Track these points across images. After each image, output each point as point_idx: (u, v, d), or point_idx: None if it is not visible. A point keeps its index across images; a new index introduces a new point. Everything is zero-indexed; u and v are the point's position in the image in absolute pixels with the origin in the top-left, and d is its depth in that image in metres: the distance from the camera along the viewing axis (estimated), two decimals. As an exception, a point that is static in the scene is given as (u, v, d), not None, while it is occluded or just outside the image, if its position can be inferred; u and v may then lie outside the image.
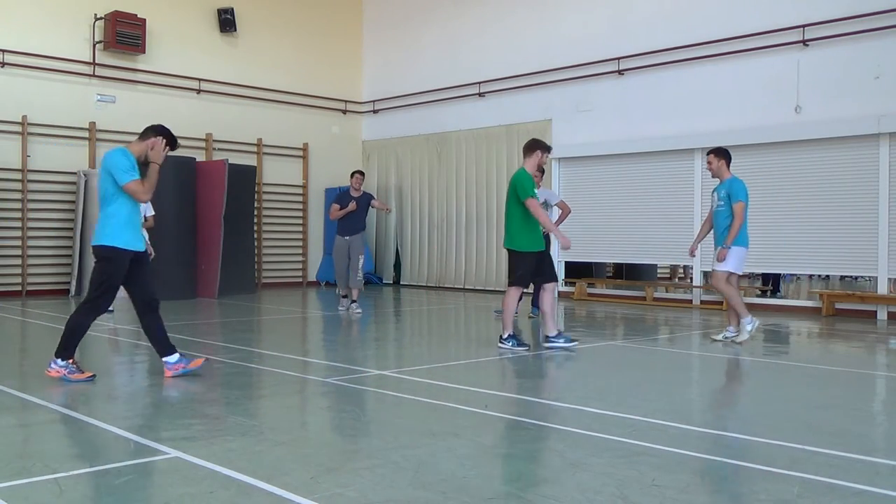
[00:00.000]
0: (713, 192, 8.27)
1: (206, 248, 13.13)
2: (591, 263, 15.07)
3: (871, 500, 3.32)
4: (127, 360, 7.42)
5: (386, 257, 17.09)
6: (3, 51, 12.97)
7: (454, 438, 4.19)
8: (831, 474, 3.60)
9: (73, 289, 13.21)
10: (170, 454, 3.85)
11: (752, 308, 11.90)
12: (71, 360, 5.73)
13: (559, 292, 14.17)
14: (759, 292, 13.57)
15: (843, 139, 10.87)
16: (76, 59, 13.70)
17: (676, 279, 17.35)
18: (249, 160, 15.41)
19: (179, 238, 12.81)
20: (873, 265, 10.74)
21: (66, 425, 4.53)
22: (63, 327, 5.82)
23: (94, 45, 13.84)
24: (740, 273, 8.20)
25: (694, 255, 8.75)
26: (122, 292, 5.98)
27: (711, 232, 8.23)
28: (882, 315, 10.64)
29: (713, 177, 8.33)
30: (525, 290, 10.38)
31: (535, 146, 7.70)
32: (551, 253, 10.71)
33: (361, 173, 11.18)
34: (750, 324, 7.98)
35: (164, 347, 5.93)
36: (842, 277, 16.33)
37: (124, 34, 13.79)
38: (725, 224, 7.96)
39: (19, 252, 13.15)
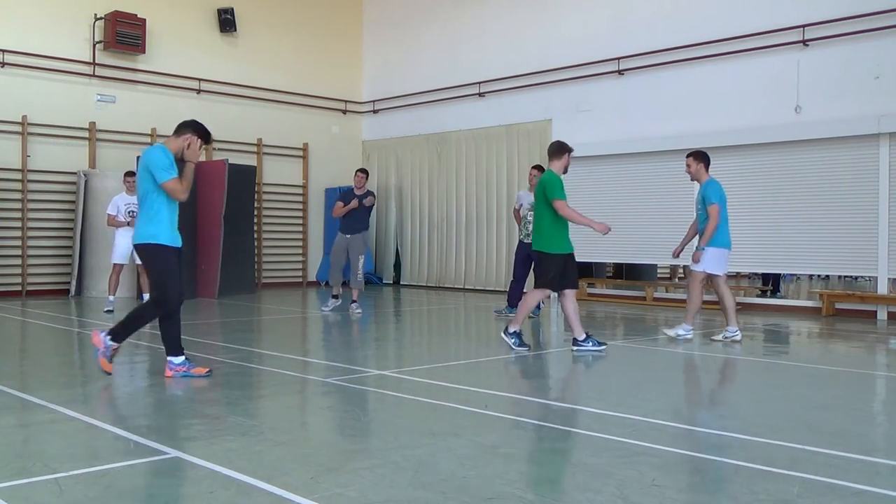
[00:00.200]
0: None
1: (206, 248, 13.14)
2: (591, 263, 15.05)
3: (871, 500, 3.32)
4: (127, 360, 7.41)
5: (386, 257, 17.10)
6: (3, 51, 12.97)
7: (454, 438, 4.19)
8: (831, 474, 3.60)
9: (73, 289, 13.21)
10: (170, 454, 3.85)
11: (752, 308, 11.98)
12: (115, 347, 5.83)
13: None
14: (759, 292, 13.57)
15: (843, 139, 10.87)
16: (76, 59, 13.70)
17: (676, 279, 17.35)
18: (249, 160, 15.41)
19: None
20: (873, 265, 10.73)
21: (66, 425, 4.52)
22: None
23: (94, 45, 13.84)
24: (721, 273, 8.29)
25: (677, 257, 8.82)
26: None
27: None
28: (882, 315, 10.65)
29: (692, 179, 8.53)
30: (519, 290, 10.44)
31: (564, 148, 7.70)
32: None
33: (364, 171, 11.08)
34: (685, 331, 8.27)
35: (174, 347, 5.94)
36: (840, 277, 16.33)
37: (124, 34, 13.79)
38: (703, 227, 8.20)
39: (19, 252, 13.15)
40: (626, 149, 12.98)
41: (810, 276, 17.55)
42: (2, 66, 12.99)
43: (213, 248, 13.08)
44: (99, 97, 13.97)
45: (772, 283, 14.21)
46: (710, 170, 8.49)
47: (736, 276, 17.06)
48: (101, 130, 13.92)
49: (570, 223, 7.48)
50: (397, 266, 16.96)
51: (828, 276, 16.47)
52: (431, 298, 13.78)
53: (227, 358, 6.90)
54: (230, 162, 13.46)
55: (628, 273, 15.80)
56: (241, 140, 15.53)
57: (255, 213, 15.14)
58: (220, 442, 4.22)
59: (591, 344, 7.43)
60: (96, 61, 13.87)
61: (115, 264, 10.90)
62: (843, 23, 10.87)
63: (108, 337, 5.78)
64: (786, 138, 11.33)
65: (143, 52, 14.18)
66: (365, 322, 10.00)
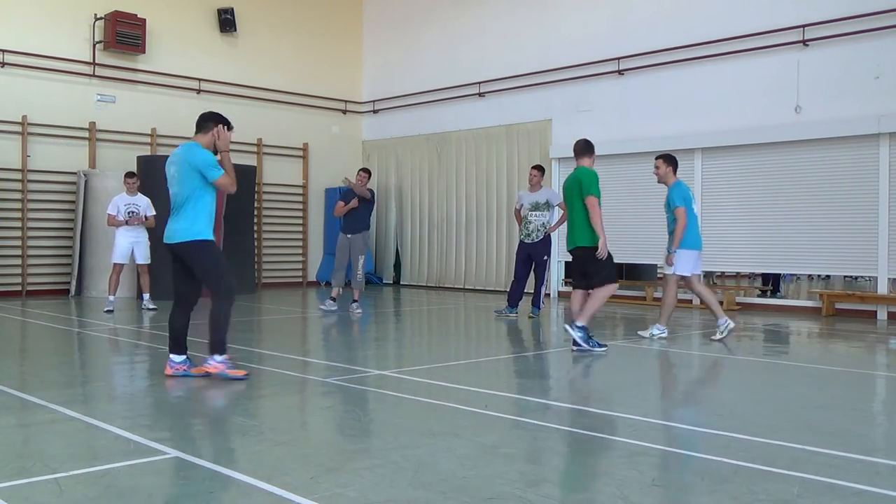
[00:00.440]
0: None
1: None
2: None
3: (871, 500, 3.31)
4: (127, 360, 7.42)
5: (386, 257, 17.10)
6: (3, 51, 12.97)
7: (454, 438, 4.19)
8: (831, 474, 3.60)
9: (73, 289, 13.21)
10: (170, 454, 3.85)
11: (752, 308, 11.98)
12: (227, 356, 5.88)
13: (559, 292, 14.18)
14: (759, 292, 13.56)
15: (843, 139, 10.88)
16: (76, 59, 13.71)
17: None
18: (249, 160, 15.41)
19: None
20: (873, 265, 10.74)
21: (66, 425, 4.52)
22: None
23: (94, 45, 13.84)
24: (697, 273, 8.42)
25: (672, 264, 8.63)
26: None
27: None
28: (882, 315, 10.65)
29: (659, 182, 8.63)
30: (522, 289, 10.45)
31: (592, 147, 7.70)
32: (551, 254, 10.78)
33: (366, 171, 11.01)
34: (659, 331, 8.36)
35: (179, 345, 5.94)
36: (844, 278, 16.32)
37: (124, 34, 13.79)
38: (670, 229, 8.36)
39: (19, 252, 13.15)
40: (625, 149, 12.98)
41: (809, 277, 17.54)
42: (2, 66, 12.99)
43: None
44: (99, 97, 13.98)
45: (772, 283, 14.21)
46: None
47: (736, 276, 17.07)
48: (101, 130, 13.92)
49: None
50: (397, 266, 16.96)
51: (828, 276, 16.46)
52: (431, 298, 13.78)
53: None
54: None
55: (628, 273, 15.78)
56: (241, 140, 15.51)
57: (255, 213, 15.15)
58: (220, 442, 4.22)
59: (581, 336, 7.41)
60: (96, 61, 13.87)
61: (115, 264, 10.91)
62: (843, 23, 10.87)
63: (216, 356, 5.81)
64: (786, 138, 11.33)
65: (143, 52, 14.18)
66: (365, 322, 10.00)
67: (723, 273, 15.96)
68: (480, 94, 15.26)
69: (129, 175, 11.13)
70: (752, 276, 16.60)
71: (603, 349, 7.38)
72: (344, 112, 17.29)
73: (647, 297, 12.90)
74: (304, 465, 3.74)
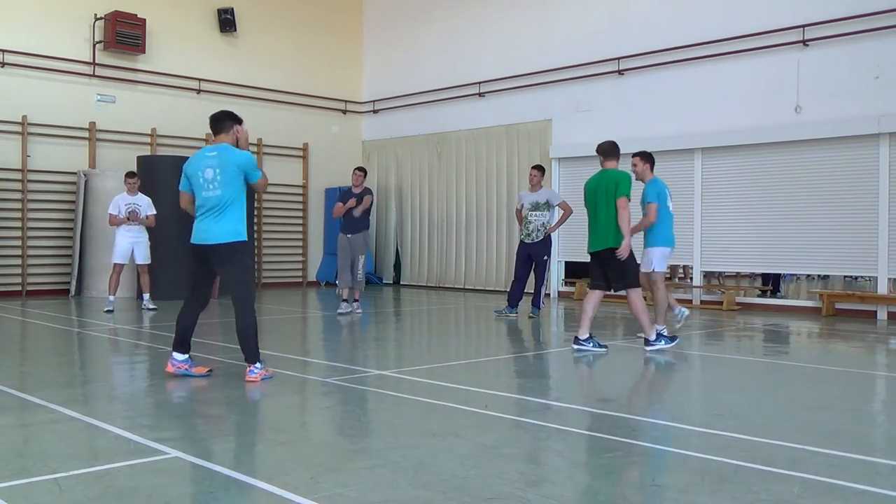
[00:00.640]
0: None
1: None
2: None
3: (871, 500, 3.32)
4: (127, 360, 7.42)
5: (386, 257, 17.09)
6: (3, 51, 12.97)
7: (454, 438, 4.19)
8: (831, 474, 3.60)
9: (73, 289, 13.21)
10: (170, 454, 3.85)
11: (752, 308, 11.98)
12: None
13: (559, 292, 14.18)
14: (759, 292, 13.56)
15: (843, 139, 10.87)
16: (76, 59, 13.71)
17: (676, 279, 17.34)
18: (249, 160, 15.38)
19: (179, 238, 12.74)
20: (873, 265, 10.74)
21: (66, 425, 4.52)
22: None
23: (94, 45, 13.84)
24: (661, 269, 8.43)
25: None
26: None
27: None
28: (882, 315, 10.64)
29: (636, 179, 8.58)
30: (520, 289, 10.45)
31: (619, 149, 7.69)
32: (551, 254, 10.78)
33: (362, 170, 10.97)
34: (677, 314, 8.64)
35: (184, 344, 5.96)
36: (844, 278, 16.32)
37: (124, 34, 13.79)
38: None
39: (19, 252, 13.15)
40: (625, 149, 12.80)
41: (808, 277, 17.53)
42: (2, 66, 12.99)
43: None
44: (99, 97, 13.98)
45: (772, 283, 14.21)
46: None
47: (736, 276, 17.06)
48: (101, 130, 13.93)
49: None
50: (397, 266, 16.96)
51: (826, 276, 16.46)
52: (431, 298, 13.78)
53: (227, 358, 6.90)
54: (230, 162, 13.44)
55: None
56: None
57: (255, 213, 15.14)
58: (220, 442, 4.22)
59: (590, 345, 7.42)
60: (96, 61, 13.87)
61: (115, 264, 10.90)
62: (843, 23, 10.87)
63: (257, 365, 5.79)
64: (786, 138, 11.33)
65: (143, 52, 14.18)
66: (365, 322, 10.00)
67: (722, 273, 15.95)
68: (480, 94, 15.27)
69: (129, 175, 11.12)
70: (754, 276, 16.57)
71: (604, 349, 7.39)
72: (344, 112, 17.29)
73: (648, 297, 12.87)
74: (304, 465, 3.74)
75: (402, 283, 16.75)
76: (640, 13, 13.04)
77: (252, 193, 11.46)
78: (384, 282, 16.96)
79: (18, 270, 13.16)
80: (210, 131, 6.16)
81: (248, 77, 15.65)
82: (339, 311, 10.64)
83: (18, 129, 13.13)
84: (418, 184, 16.49)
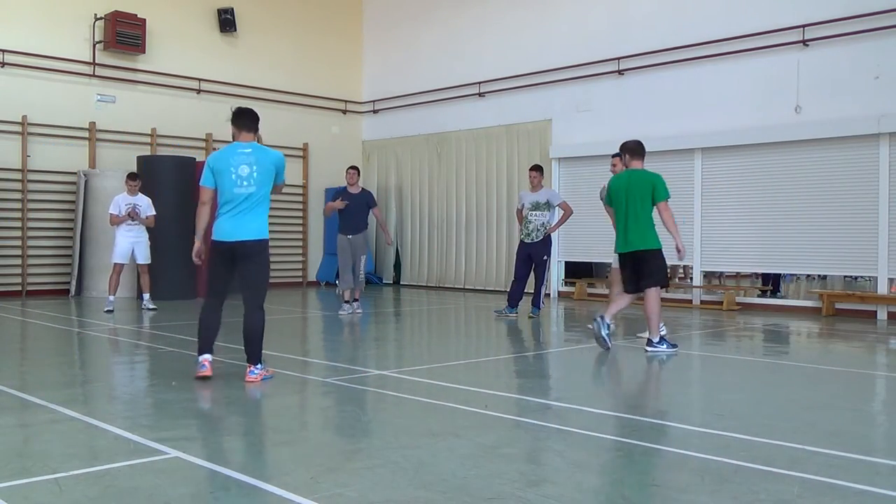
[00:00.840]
0: None
1: (206, 248, 13.11)
2: (591, 263, 15.07)
3: (871, 500, 3.32)
4: (127, 360, 7.42)
5: (386, 257, 17.09)
6: (3, 51, 12.97)
7: (454, 438, 4.19)
8: (831, 474, 3.60)
9: (73, 289, 13.21)
10: (170, 454, 3.85)
11: (752, 308, 11.98)
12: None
13: (559, 292, 14.18)
14: (759, 292, 13.56)
15: (843, 139, 10.87)
16: (76, 59, 13.71)
17: (676, 279, 17.34)
18: (249, 160, 15.38)
19: (179, 238, 12.77)
20: (873, 265, 10.73)
21: (66, 425, 4.52)
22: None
23: (94, 45, 13.84)
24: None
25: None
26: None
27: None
28: (882, 315, 10.64)
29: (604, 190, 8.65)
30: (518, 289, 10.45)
31: (644, 149, 7.70)
32: (551, 254, 10.77)
33: (356, 168, 10.93)
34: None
35: (211, 344, 5.91)
36: (845, 278, 16.32)
37: (124, 34, 13.79)
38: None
39: (19, 252, 13.15)
40: (625, 149, 12.94)
41: (808, 277, 17.53)
42: (2, 66, 12.99)
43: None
44: (99, 97, 13.98)
45: (772, 283, 14.20)
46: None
47: (736, 276, 17.06)
48: (101, 130, 13.92)
49: None
50: (397, 266, 16.96)
51: (825, 276, 16.45)
52: (431, 298, 13.78)
53: (227, 358, 6.90)
54: (230, 162, 13.44)
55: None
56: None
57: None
58: (219, 442, 4.22)
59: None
60: (96, 61, 13.87)
61: (115, 264, 10.90)
62: (843, 23, 10.87)
63: (258, 366, 5.78)
64: (786, 138, 11.33)
65: (143, 52, 14.18)
66: (365, 322, 10.00)
67: (723, 273, 15.95)
68: (480, 94, 15.27)
69: (130, 177, 11.11)
70: (755, 276, 16.56)
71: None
72: (344, 112, 17.29)
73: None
74: (304, 465, 3.74)
75: (402, 283, 16.75)
76: (640, 13, 13.04)
77: None
78: (384, 282, 16.96)
79: (18, 270, 13.16)
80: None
81: (248, 77, 15.65)
82: (341, 311, 10.65)
83: (18, 129, 13.13)
84: (418, 184, 16.49)
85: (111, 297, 10.80)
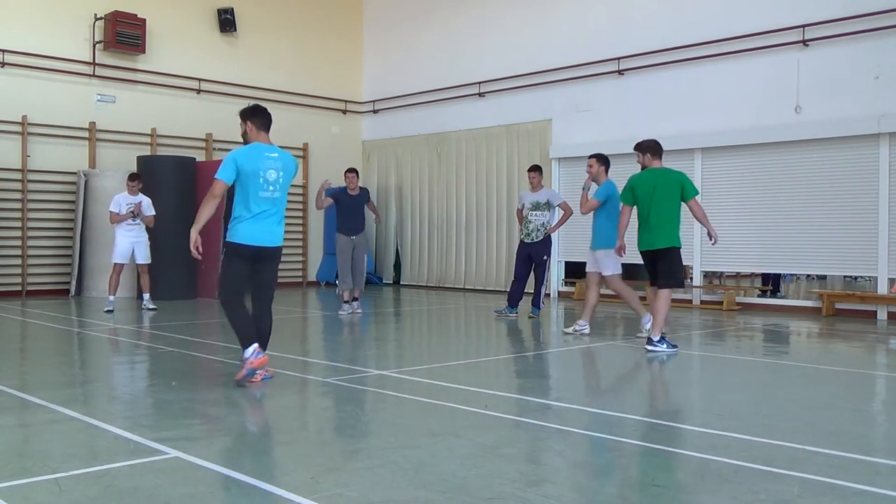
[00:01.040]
0: None
1: (206, 248, 13.04)
2: (591, 263, 15.03)
3: (871, 500, 3.32)
4: (127, 360, 7.42)
5: (386, 257, 17.09)
6: (3, 51, 12.97)
7: (454, 438, 4.19)
8: (831, 474, 3.60)
9: (73, 289, 13.21)
10: (170, 454, 3.85)
11: (752, 308, 11.98)
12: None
13: (559, 292, 14.18)
14: (759, 292, 13.56)
15: (843, 139, 10.87)
16: (76, 59, 13.70)
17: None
18: (249, 160, 15.38)
19: (179, 238, 12.74)
20: (873, 265, 10.73)
21: (66, 425, 4.52)
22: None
23: (94, 45, 13.84)
24: (618, 272, 8.65)
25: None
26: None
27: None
28: (882, 315, 10.64)
29: (591, 180, 8.74)
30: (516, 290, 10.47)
31: (661, 146, 7.80)
32: (551, 254, 10.77)
33: (354, 171, 10.90)
34: (581, 326, 8.60)
35: (254, 333, 5.86)
36: (845, 278, 16.32)
37: (124, 34, 13.79)
38: (594, 226, 8.60)
39: (19, 252, 13.15)
40: (626, 149, 12.86)
41: (807, 277, 17.53)
42: (2, 66, 12.99)
43: (213, 248, 13.05)
44: (99, 97, 13.98)
45: (772, 283, 14.20)
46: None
47: (736, 276, 17.06)
48: (101, 130, 13.92)
49: None
50: (397, 266, 16.95)
51: (825, 276, 16.45)
52: (431, 298, 13.78)
53: (227, 358, 6.90)
54: (230, 162, 13.43)
55: (628, 273, 15.75)
56: (242, 140, 15.50)
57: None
58: (220, 442, 4.22)
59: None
60: (96, 61, 13.87)
61: (115, 264, 10.90)
62: (843, 23, 10.87)
63: (253, 351, 5.69)
64: (786, 138, 11.33)
65: (143, 52, 14.18)
66: (365, 322, 10.00)
67: (723, 273, 15.95)
68: (480, 94, 15.27)
69: (131, 177, 11.12)
70: (758, 276, 16.56)
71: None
72: (344, 112, 17.29)
73: (648, 298, 12.87)
74: (304, 465, 3.74)
75: (402, 283, 16.75)
76: (640, 13, 13.04)
77: None
78: (384, 282, 16.96)
79: (18, 270, 13.15)
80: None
81: (248, 77, 15.65)
82: (341, 311, 10.65)
83: (18, 129, 13.13)
84: (418, 184, 16.49)
85: (111, 297, 10.80)
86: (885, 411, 5.44)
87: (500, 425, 4.66)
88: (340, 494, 3.29)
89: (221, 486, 3.42)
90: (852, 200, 10.83)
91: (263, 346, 5.83)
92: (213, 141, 15.00)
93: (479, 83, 15.21)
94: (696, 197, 7.59)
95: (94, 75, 13.87)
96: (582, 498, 3.32)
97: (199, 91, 15.06)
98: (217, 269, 13.53)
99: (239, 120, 6.10)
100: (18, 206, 13.11)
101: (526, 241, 10.36)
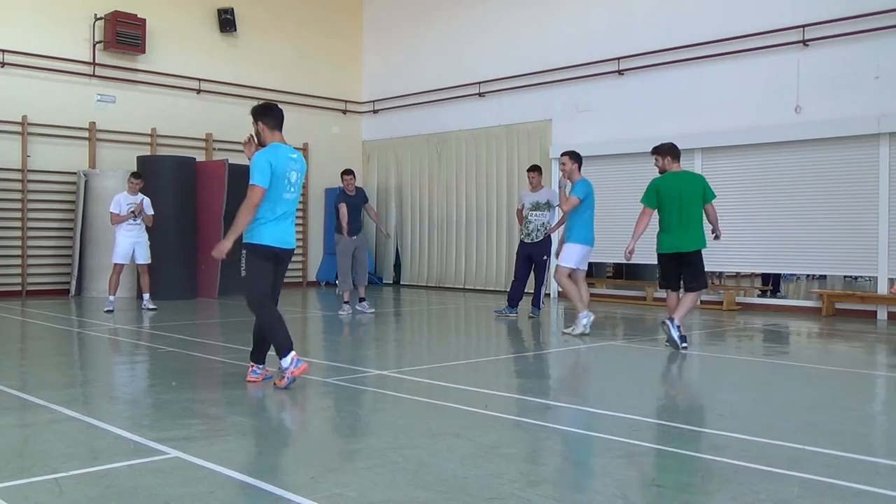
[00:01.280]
0: None
1: (206, 248, 13.10)
2: (590, 263, 15.04)
3: (871, 500, 3.32)
4: (127, 361, 7.42)
5: (386, 257, 17.09)
6: (3, 51, 12.97)
7: (454, 438, 4.19)
8: (831, 474, 3.60)
9: (73, 289, 13.21)
10: (170, 454, 3.85)
11: (752, 308, 11.98)
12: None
13: (559, 292, 14.17)
14: (759, 292, 13.57)
15: (843, 139, 10.87)
16: (76, 59, 13.70)
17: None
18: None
19: (179, 238, 12.81)
20: (873, 265, 10.73)
21: (66, 425, 4.53)
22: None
23: (94, 45, 13.84)
24: (582, 268, 8.77)
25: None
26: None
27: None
28: (882, 315, 10.64)
29: (565, 178, 8.83)
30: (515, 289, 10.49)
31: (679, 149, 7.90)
32: (551, 254, 10.77)
33: (351, 173, 10.94)
34: (585, 318, 8.55)
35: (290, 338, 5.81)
36: (844, 278, 16.33)
37: (124, 34, 13.79)
38: (569, 224, 8.76)
39: (19, 252, 13.15)
40: (626, 149, 12.97)
41: (807, 276, 17.53)
42: (2, 66, 12.99)
43: (214, 248, 13.07)
44: (99, 97, 13.97)
45: (772, 283, 14.20)
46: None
47: (736, 276, 17.06)
48: (101, 130, 13.92)
49: None
50: (397, 266, 16.95)
51: (825, 276, 16.45)
52: (431, 298, 13.78)
53: (228, 358, 6.91)
54: (230, 162, 13.44)
55: (628, 273, 15.80)
56: (241, 140, 15.49)
57: (255, 213, 15.11)
58: (220, 442, 4.22)
59: (678, 333, 7.46)
60: (96, 61, 13.87)
61: (115, 264, 10.90)
62: (843, 23, 10.87)
63: (258, 366, 5.75)
64: (786, 138, 11.33)
65: (143, 52, 14.17)
66: (365, 322, 10.00)
67: (723, 273, 15.95)
68: (480, 94, 15.26)
69: (134, 175, 11.13)
70: (758, 276, 16.57)
71: (678, 348, 7.44)
72: (344, 112, 17.29)
73: (648, 297, 12.90)
74: (304, 465, 3.74)
75: (402, 283, 16.75)
76: (640, 13, 13.04)
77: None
78: (384, 282, 16.96)
79: (18, 270, 13.15)
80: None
81: (248, 77, 15.65)
82: (341, 311, 10.66)
83: (18, 129, 13.13)
84: (418, 184, 16.49)
85: (111, 298, 10.80)
86: (885, 411, 5.44)
87: (500, 425, 4.66)
88: (340, 494, 3.29)
89: (221, 486, 3.42)
90: (852, 200, 10.82)
91: (263, 350, 5.81)
92: (213, 141, 15.00)
93: (479, 83, 15.21)
94: (713, 200, 7.74)
95: (94, 75, 13.87)
96: (582, 498, 3.32)
97: (198, 91, 15.05)
98: (216, 270, 13.63)
99: (251, 119, 6.02)
100: (18, 206, 13.11)
101: (526, 241, 10.36)
